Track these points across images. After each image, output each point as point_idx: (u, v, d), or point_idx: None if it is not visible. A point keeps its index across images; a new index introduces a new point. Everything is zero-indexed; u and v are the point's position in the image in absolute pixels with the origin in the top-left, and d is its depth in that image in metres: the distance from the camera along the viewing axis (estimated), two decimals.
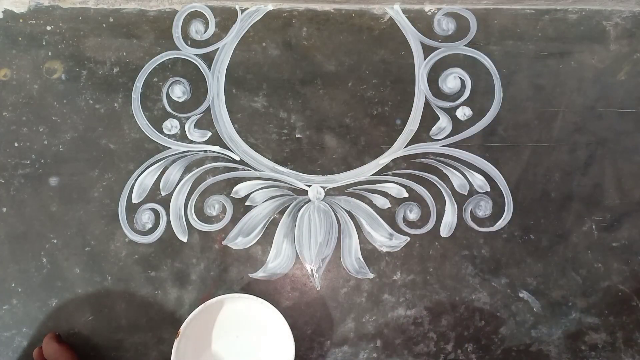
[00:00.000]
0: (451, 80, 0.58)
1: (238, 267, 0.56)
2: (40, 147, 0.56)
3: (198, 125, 0.57)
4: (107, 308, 0.55)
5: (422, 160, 0.58)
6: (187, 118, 0.57)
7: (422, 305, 0.56)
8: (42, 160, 0.56)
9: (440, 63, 0.58)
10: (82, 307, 0.55)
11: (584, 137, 0.58)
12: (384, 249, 0.57)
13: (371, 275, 0.56)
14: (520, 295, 0.57)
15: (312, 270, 0.56)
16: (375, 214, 0.57)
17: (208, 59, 0.58)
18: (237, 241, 0.56)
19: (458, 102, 0.58)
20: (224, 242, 0.56)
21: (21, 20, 0.57)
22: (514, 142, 0.58)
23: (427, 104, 0.58)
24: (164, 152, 0.57)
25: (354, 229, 0.57)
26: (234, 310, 0.54)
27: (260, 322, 0.53)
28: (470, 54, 0.58)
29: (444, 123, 0.58)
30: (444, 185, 0.57)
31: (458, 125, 0.58)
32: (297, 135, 0.58)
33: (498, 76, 0.58)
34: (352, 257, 0.57)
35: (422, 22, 0.59)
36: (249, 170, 0.57)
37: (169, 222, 0.56)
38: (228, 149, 0.57)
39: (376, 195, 0.57)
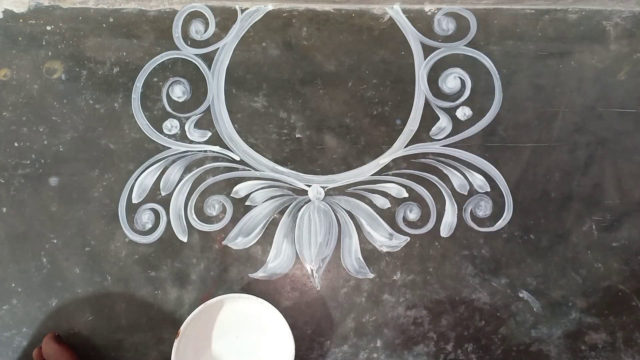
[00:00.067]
0: (451, 80, 0.58)
1: (238, 267, 0.56)
2: (40, 147, 0.56)
3: (198, 125, 0.57)
4: (107, 308, 0.55)
5: (422, 160, 0.58)
6: (187, 118, 0.57)
7: (422, 305, 0.56)
8: (42, 160, 0.56)
9: (440, 63, 0.58)
10: (82, 307, 0.55)
11: (584, 137, 0.58)
12: (384, 249, 0.57)
13: (371, 275, 0.56)
14: (520, 295, 0.57)
15: (312, 270, 0.56)
16: (375, 214, 0.57)
17: (208, 59, 0.58)
18: (237, 241, 0.56)
19: (458, 102, 0.58)
20: (224, 242, 0.56)
21: (21, 20, 0.57)
22: (514, 142, 0.58)
23: (427, 104, 0.58)
24: (164, 152, 0.57)
25: (354, 229, 0.57)
26: (234, 310, 0.54)
27: (260, 322, 0.53)
28: (470, 54, 0.58)
29: (444, 123, 0.58)
30: (444, 185, 0.57)
31: (458, 125, 0.58)
32: (297, 135, 0.58)
33: (498, 76, 0.58)
34: (352, 257, 0.57)
35: (422, 22, 0.59)
36: (249, 170, 0.57)
37: (169, 222, 0.56)
38: (228, 149, 0.57)
39: (376, 195, 0.57)
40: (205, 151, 0.57)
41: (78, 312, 0.55)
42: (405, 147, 0.58)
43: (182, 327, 0.50)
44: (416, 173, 0.57)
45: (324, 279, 0.57)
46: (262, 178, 0.57)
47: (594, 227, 0.57)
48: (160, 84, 0.58)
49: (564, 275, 0.57)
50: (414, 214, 0.57)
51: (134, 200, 0.56)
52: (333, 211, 0.57)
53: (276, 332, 0.52)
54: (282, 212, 0.57)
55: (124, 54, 0.57)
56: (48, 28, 0.57)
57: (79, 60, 0.57)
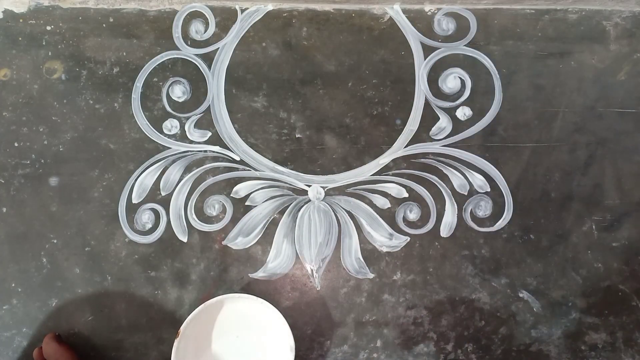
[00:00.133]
0: (451, 80, 0.58)
1: (238, 267, 0.56)
2: (40, 147, 0.56)
3: (198, 125, 0.57)
4: (107, 308, 0.55)
5: (422, 160, 0.58)
6: (187, 118, 0.57)
7: (422, 305, 0.56)
8: (42, 160, 0.56)
9: (440, 63, 0.58)
10: (82, 307, 0.55)
11: (584, 137, 0.58)
12: (384, 249, 0.57)
13: (371, 275, 0.56)
14: (520, 295, 0.57)
15: (312, 270, 0.56)
16: (375, 214, 0.57)
17: (208, 59, 0.58)
18: (237, 241, 0.56)
19: (458, 102, 0.58)
20: (224, 242, 0.56)
21: (21, 20, 0.57)
22: (514, 142, 0.58)
23: (427, 104, 0.58)
24: (164, 152, 0.57)
25: (354, 229, 0.57)
26: (234, 310, 0.54)
27: (260, 322, 0.53)
28: (470, 54, 0.58)
29: (444, 123, 0.58)
30: (444, 185, 0.57)
31: (458, 125, 0.58)
32: (297, 135, 0.58)
33: (498, 76, 0.58)
34: (352, 257, 0.57)
35: (422, 22, 0.59)
36: (249, 170, 0.57)
37: (169, 222, 0.56)
38: (228, 149, 0.57)
39: (376, 195, 0.57)
40: (205, 151, 0.57)
41: (78, 312, 0.55)
42: (405, 147, 0.58)
43: (182, 327, 0.50)
44: (416, 173, 0.57)
45: (324, 279, 0.57)
46: (262, 178, 0.57)
47: (594, 227, 0.57)
48: (160, 84, 0.58)
49: (564, 275, 0.57)
50: (414, 214, 0.57)
51: (134, 200, 0.56)
52: (333, 211, 0.57)
53: (276, 332, 0.52)
54: (282, 212, 0.57)
55: (124, 54, 0.57)
56: (48, 28, 0.57)
57: (79, 60, 0.57)
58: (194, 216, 0.56)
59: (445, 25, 0.59)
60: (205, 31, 0.58)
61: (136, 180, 0.56)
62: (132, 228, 0.56)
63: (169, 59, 0.58)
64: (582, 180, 0.58)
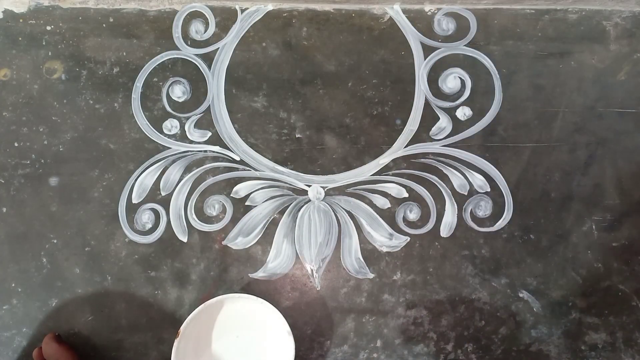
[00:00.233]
0: (451, 80, 0.58)
1: (238, 267, 0.56)
2: (40, 147, 0.56)
3: (198, 125, 0.57)
4: (107, 308, 0.55)
5: (422, 160, 0.58)
6: (187, 118, 0.57)
7: (422, 305, 0.56)
8: (42, 160, 0.56)
9: (440, 63, 0.58)
10: (82, 307, 0.55)
11: (584, 137, 0.58)
12: (384, 249, 0.57)
13: (371, 275, 0.56)
14: (520, 295, 0.57)
15: (312, 270, 0.56)
16: (375, 214, 0.57)
17: (208, 59, 0.58)
18: (237, 241, 0.56)
19: (458, 102, 0.58)
20: (224, 242, 0.56)
21: (21, 20, 0.57)
22: (514, 142, 0.58)
23: (427, 104, 0.58)
24: (164, 152, 0.57)
25: (354, 229, 0.57)
26: (234, 310, 0.54)
27: (260, 322, 0.53)
28: (470, 54, 0.58)
29: (444, 123, 0.58)
30: (444, 185, 0.57)
31: (458, 125, 0.58)
32: (297, 135, 0.58)
33: (498, 76, 0.58)
34: (352, 257, 0.57)
35: (422, 22, 0.59)
36: (249, 170, 0.57)
37: (169, 222, 0.56)
38: (228, 149, 0.57)
39: (376, 195, 0.57)
40: (205, 151, 0.57)
41: (78, 312, 0.55)
42: (405, 147, 0.58)
43: (182, 327, 0.50)
44: (416, 173, 0.57)
45: (324, 279, 0.57)
46: (262, 178, 0.57)
47: (594, 227, 0.57)
48: (160, 84, 0.58)
49: (564, 275, 0.57)
50: (414, 214, 0.57)
51: (134, 200, 0.56)
52: (333, 211, 0.57)
53: (276, 332, 0.52)
54: (282, 212, 0.57)
55: (124, 54, 0.57)
56: (48, 28, 0.57)
57: (79, 60, 0.57)
58: (194, 216, 0.56)
59: (445, 25, 0.59)
60: (205, 31, 0.58)
61: (136, 180, 0.56)
62: (132, 228, 0.56)
63: (169, 59, 0.58)
64: (582, 180, 0.58)
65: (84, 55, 0.57)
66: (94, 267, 0.55)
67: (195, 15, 0.58)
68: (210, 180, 0.57)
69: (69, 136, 0.57)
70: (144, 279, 0.55)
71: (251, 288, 0.56)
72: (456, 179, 0.57)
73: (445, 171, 0.57)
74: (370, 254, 0.57)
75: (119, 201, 0.56)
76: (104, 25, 0.58)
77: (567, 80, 0.59)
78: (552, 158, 0.58)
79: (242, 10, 0.58)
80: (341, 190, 0.57)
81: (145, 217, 0.56)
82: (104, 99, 0.57)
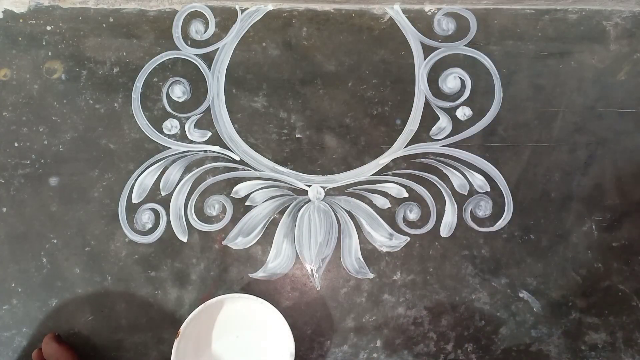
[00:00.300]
0: (451, 80, 0.58)
1: (238, 267, 0.56)
2: (40, 147, 0.56)
3: (198, 125, 0.57)
4: (107, 308, 0.55)
5: (422, 160, 0.58)
6: (187, 118, 0.57)
7: (422, 305, 0.56)
8: (42, 160, 0.56)
9: (440, 63, 0.58)
10: (82, 307, 0.55)
11: (584, 137, 0.58)
12: (384, 249, 0.57)
13: (371, 275, 0.56)
14: (520, 295, 0.57)
15: (312, 270, 0.56)
16: (375, 214, 0.57)
17: (208, 59, 0.58)
18: (237, 241, 0.56)
19: (458, 102, 0.58)
20: (224, 242, 0.56)
21: (21, 20, 0.57)
22: (514, 142, 0.58)
23: (427, 104, 0.58)
24: (164, 152, 0.57)
25: (354, 229, 0.57)
26: (234, 310, 0.54)
27: (260, 322, 0.53)
28: (470, 54, 0.58)
29: (444, 123, 0.58)
30: (444, 185, 0.57)
31: (458, 125, 0.58)
32: (297, 135, 0.58)
33: (498, 76, 0.58)
34: (352, 257, 0.57)
35: (422, 22, 0.59)
36: (249, 170, 0.57)
37: (169, 222, 0.56)
38: (228, 149, 0.57)
39: (376, 195, 0.57)
40: (205, 151, 0.57)
41: (78, 312, 0.55)
42: (405, 147, 0.58)
43: (182, 327, 0.50)
44: (416, 173, 0.57)
45: (324, 279, 0.57)
46: (262, 178, 0.57)
47: (594, 227, 0.57)
48: (160, 84, 0.58)
49: (564, 275, 0.57)
50: (414, 214, 0.57)
51: (134, 200, 0.56)
52: (333, 211, 0.57)
53: (276, 332, 0.52)
54: (282, 212, 0.57)
55: (124, 54, 0.57)
56: (48, 28, 0.57)
57: (79, 60, 0.57)
58: (194, 216, 0.56)
59: (445, 25, 0.59)
60: (205, 31, 0.58)
61: (136, 180, 0.56)
62: (132, 228, 0.56)
63: (169, 59, 0.58)
64: (582, 180, 0.58)
65: (84, 55, 0.57)
66: (94, 267, 0.55)
67: (195, 15, 0.58)
68: (210, 180, 0.57)
69: (69, 136, 0.57)
70: (144, 279, 0.56)
71: (251, 288, 0.56)
72: (456, 179, 0.57)
73: (445, 171, 0.57)
74: (370, 254, 0.57)
75: (119, 201, 0.56)
76: (104, 25, 0.58)
77: (567, 80, 0.59)
78: (552, 158, 0.58)
79: (242, 10, 0.58)
80: (341, 190, 0.57)
81: (145, 217, 0.56)
82: (104, 99, 0.57)
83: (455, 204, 0.57)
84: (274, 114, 0.58)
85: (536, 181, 0.58)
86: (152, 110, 0.57)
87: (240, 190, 0.57)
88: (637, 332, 0.57)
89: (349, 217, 0.57)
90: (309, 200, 0.57)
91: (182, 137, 0.57)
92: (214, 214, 0.57)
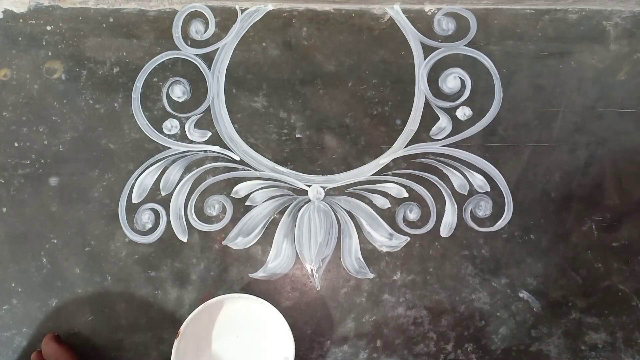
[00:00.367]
0: (451, 80, 0.58)
1: (238, 267, 0.56)
2: (40, 147, 0.56)
3: (198, 125, 0.57)
4: (107, 308, 0.55)
5: (422, 160, 0.58)
6: (187, 118, 0.57)
7: (422, 305, 0.56)
8: (42, 160, 0.56)
9: (440, 63, 0.58)
10: (82, 307, 0.55)
11: (584, 137, 0.58)
12: (384, 249, 0.57)
13: (371, 275, 0.56)
14: (520, 295, 0.57)
15: (312, 270, 0.56)
16: (375, 214, 0.57)
17: (208, 59, 0.58)
18: (237, 241, 0.56)
19: (458, 102, 0.58)
20: (224, 242, 0.56)
21: (21, 20, 0.57)
22: (514, 142, 0.58)
23: (427, 104, 0.58)
24: (164, 152, 0.57)
25: (354, 229, 0.57)
26: (234, 310, 0.54)
27: (260, 322, 0.53)
28: (470, 54, 0.58)
29: (444, 123, 0.58)
30: (444, 185, 0.57)
31: (458, 125, 0.58)
32: (297, 135, 0.58)
33: (498, 76, 0.58)
34: (352, 257, 0.57)
35: (422, 22, 0.59)
36: (249, 170, 0.57)
37: (169, 222, 0.56)
38: (228, 149, 0.57)
39: (376, 195, 0.57)
40: (205, 151, 0.57)
41: (78, 312, 0.55)
42: (405, 147, 0.58)
43: (182, 327, 0.50)
44: (416, 173, 0.57)
45: (324, 279, 0.57)
46: (262, 178, 0.57)
47: (594, 227, 0.57)
48: (160, 84, 0.58)
49: (564, 275, 0.57)
50: (414, 214, 0.57)
51: (134, 200, 0.56)
52: (333, 211, 0.57)
53: (276, 332, 0.52)
54: (282, 212, 0.57)
55: (124, 54, 0.57)
56: (48, 28, 0.57)
57: (79, 60, 0.57)
58: (194, 216, 0.56)
59: (445, 25, 0.59)
60: (205, 31, 0.58)
61: (136, 180, 0.56)
62: (132, 228, 0.56)
63: (169, 59, 0.58)
64: (582, 180, 0.58)
65: (84, 55, 0.57)
66: (94, 267, 0.55)
67: (195, 15, 0.58)
68: (210, 180, 0.57)
69: (69, 136, 0.57)
70: (144, 279, 0.56)
71: (251, 288, 0.56)
72: (456, 179, 0.57)
73: (445, 171, 0.57)
74: (370, 254, 0.57)
75: (119, 201, 0.56)
76: (104, 25, 0.58)
77: (567, 80, 0.59)
78: (552, 158, 0.58)
79: (242, 10, 0.58)
80: (341, 190, 0.57)
81: (145, 217, 0.56)
82: (104, 99, 0.57)
83: (455, 204, 0.57)
84: (274, 114, 0.58)
85: (536, 181, 0.58)
86: (152, 110, 0.57)
87: (240, 190, 0.57)
88: (637, 332, 0.57)
89: (349, 217, 0.57)
90: (309, 200, 0.57)
91: (182, 137, 0.57)
92: (214, 214, 0.57)
